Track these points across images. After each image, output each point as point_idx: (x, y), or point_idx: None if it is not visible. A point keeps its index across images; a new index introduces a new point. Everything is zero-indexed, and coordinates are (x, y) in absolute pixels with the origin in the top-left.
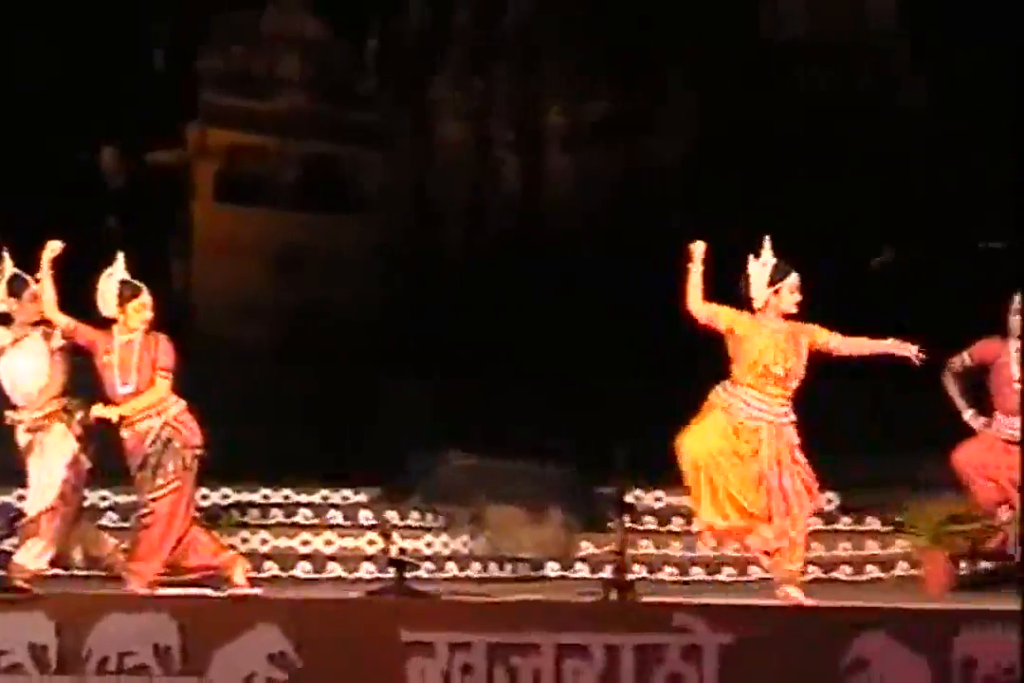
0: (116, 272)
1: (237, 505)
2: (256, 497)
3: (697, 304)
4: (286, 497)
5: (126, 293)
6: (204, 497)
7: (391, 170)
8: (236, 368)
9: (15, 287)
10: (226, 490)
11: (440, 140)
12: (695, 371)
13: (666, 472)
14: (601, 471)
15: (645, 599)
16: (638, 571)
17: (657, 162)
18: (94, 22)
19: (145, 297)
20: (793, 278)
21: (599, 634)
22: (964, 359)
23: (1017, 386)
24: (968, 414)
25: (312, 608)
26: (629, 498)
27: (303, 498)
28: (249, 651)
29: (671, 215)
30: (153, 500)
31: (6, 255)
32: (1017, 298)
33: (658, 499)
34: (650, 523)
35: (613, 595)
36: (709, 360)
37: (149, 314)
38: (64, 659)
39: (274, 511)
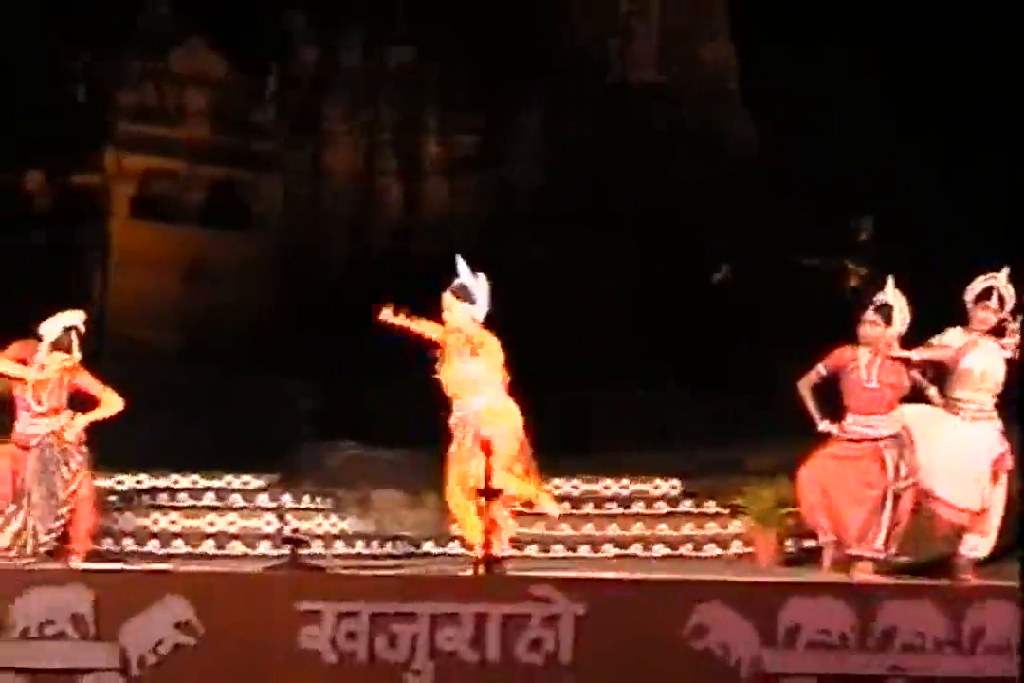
0: (66, 320)
1: (151, 490)
2: (167, 482)
3: None
4: (194, 482)
5: (63, 344)
6: (120, 482)
7: (286, 193)
8: (148, 367)
9: None
10: (141, 476)
11: (330, 167)
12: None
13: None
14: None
15: (510, 573)
16: (505, 548)
17: (519, 188)
18: (22, 60)
19: (77, 354)
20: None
21: (469, 604)
22: (819, 370)
23: (870, 385)
24: (823, 424)
25: (215, 581)
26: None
27: (209, 483)
28: (158, 619)
29: (531, 234)
30: (74, 492)
31: None
32: (870, 310)
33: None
34: (516, 505)
35: (482, 570)
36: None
37: (69, 364)
38: None
39: (183, 495)
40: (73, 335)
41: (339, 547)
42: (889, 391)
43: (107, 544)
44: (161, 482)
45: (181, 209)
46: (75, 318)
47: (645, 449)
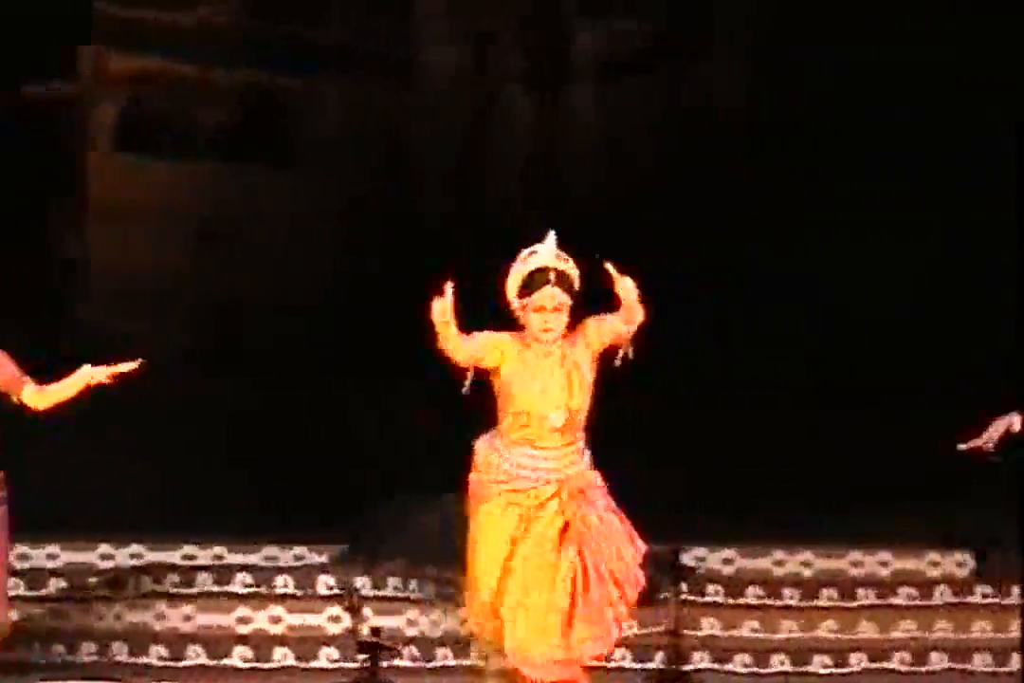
0: None
1: (150, 568)
2: (175, 557)
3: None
4: (217, 557)
5: None
6: (106, 556)
7: (357, 109)
8: (144, 377)
9: None
10: (135, 547)
11: (426, 70)
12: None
13: (742, 523)
14: (646, 519)
15: None
16: (699, 659)
17: (714, 100)
18: None
19: None
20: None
21: None
22: None
23: None
24: None
25: None
26: (687, 559)
27: (241, 559)
28: None
29: (731, 167)
30: None
31: None
32: None
33: (728, 561)
34: (717, 594)
35: None
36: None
37: None
38: None
39: (202, 576)
40: None
41: (445, 657)
42: None
43: (87, 650)
44: (167, 556)
45: (192, 135)
46: None
47: (911, 504)
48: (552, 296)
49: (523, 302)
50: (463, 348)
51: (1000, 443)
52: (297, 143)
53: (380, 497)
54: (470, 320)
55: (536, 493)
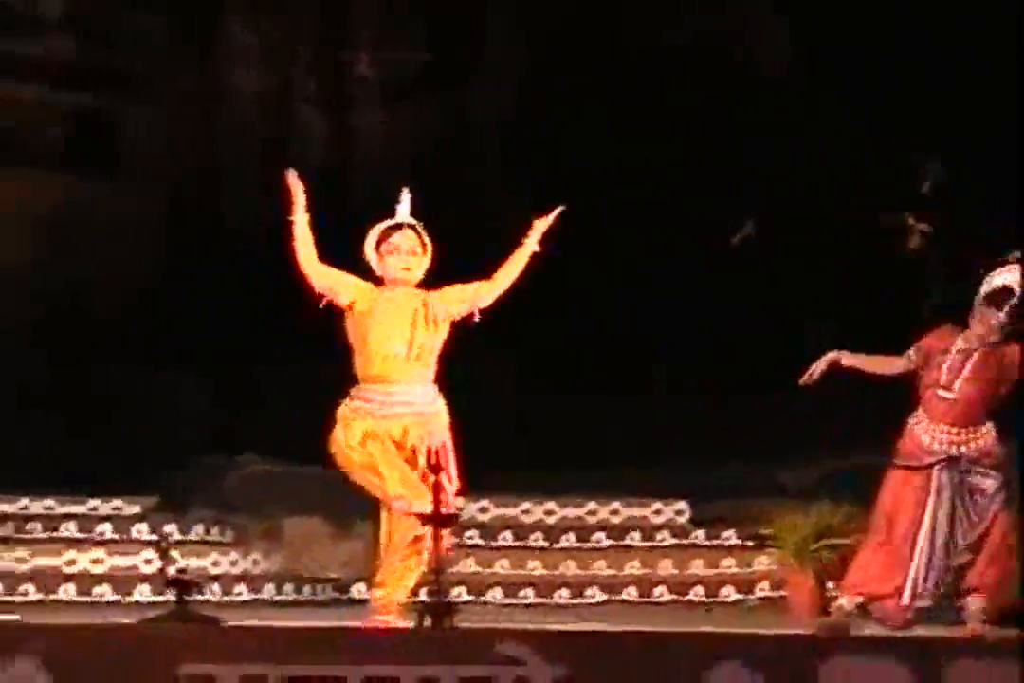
0: None
1: None
2: (11, 508)
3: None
4: (48, 508)
5: None
6: None
7: (170, 128)
8: None
9: None
10: None
11: (230, 92)
12: None
13: (494, 477)
14: None
15: (465, 625)
16: (458, 593)
17: (483, 122)
18: None
19: None
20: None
21: (413, 666)
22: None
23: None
24: None
25: (77, 636)
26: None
27: (68, 509)
28: None
29: (495, 183)
30: None
31: None
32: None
33: (484, 509)
34: (474, 537)
35: (428, 621)
36: None
37: None
38: None
39: (33, 524)
40: None
41: (241, 592)
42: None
43: None
44: (5, 507)
45: (29, 150)
46: None
47: (640, 464)
48: (408, 237)
49: (380, 250)
50: (322, 272)
51: (825, 373)
52: (123, 157)
53: (187, 458)
54: None
55: (387, 425)
